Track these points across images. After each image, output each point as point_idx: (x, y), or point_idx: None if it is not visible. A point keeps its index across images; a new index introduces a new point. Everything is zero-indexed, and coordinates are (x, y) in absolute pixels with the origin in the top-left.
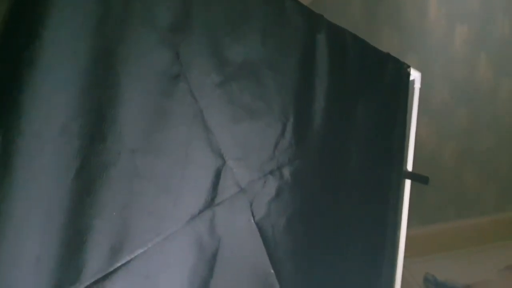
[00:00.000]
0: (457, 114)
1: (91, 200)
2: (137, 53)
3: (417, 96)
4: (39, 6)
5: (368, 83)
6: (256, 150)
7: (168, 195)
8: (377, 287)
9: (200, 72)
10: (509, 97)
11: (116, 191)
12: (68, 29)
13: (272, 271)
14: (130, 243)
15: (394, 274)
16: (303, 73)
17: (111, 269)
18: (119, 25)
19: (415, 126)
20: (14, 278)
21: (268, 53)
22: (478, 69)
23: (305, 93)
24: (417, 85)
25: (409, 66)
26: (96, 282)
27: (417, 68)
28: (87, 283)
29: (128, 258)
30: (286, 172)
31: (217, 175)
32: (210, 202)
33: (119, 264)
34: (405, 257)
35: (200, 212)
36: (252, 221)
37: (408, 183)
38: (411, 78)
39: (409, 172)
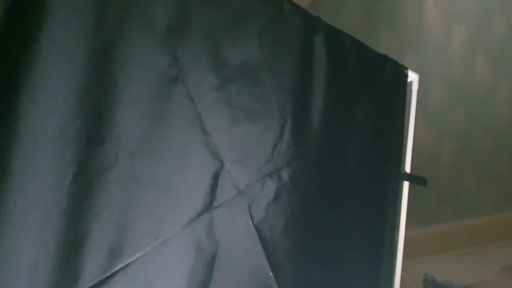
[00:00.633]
0: (455, 115)
1: (88, 204)
2: (135, 56)
3: (415, 97)
4: (36, 9)
5: (366, 85)
6: (254, 153)
7: (166, 198)
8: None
9: (198, 75)
10: (507, 97)
11: (114, 195)
12: (65, 32)
13: (271, 273)
14: (128, 247)
15: (393, 275)
16: (301, 75)
17: (109, 273)
18: (116, 28)
19: (413, 127)
20: (11, 283)
21: (266, 56)
22: (476, 70)
23: (303, 95)
24: (414, 87)
25: (406, 68)
26: (94, 286)
27: (415, 69)
28: (85, 287)
29: (126, 262)
30: (285, 174)
31: (215, 178)
32: (209, 205)
33: (117, 268)
34: (404, 258)
35: (199, 215)
36: (251, 223)
37: (406, 184)
38: (409, 80)
39: (407, 174)
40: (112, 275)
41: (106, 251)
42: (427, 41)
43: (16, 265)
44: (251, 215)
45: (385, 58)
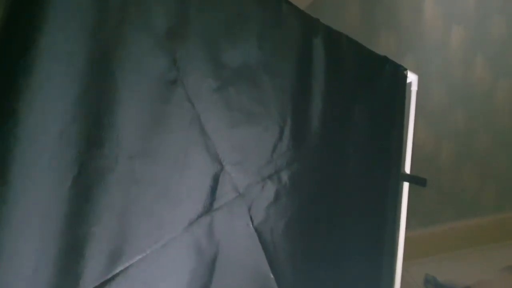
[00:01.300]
0: (454, 115)
1: (89, 207)
2: (134, 58)
3: (414, 98)
4: (35, 12)
5: (365, 87)
6: (254, 155)
7: (166, 200)
8: None
9: (197, 77)
10: (506, 97)
11: (114, 197)
12: (64, 35)
13: (272, 275)
14: (128, 250)
15: (393, 276)
16: (300, 77)
17: (110, 275)
18: (115, 30)
19: (413, 128)
20: (13, 286)
21: (265, 57)
22: (475, 70)
23: (302, 97)
24: (414, 88)
25: (405, 69)
26: None
27: (414, 70)
28: None
29: (127, 265)
30: (284, 176)
31: (215, 180)
32: (209, 207)
33: (117, 271)
34: (405, 259)
35: (199, 217)
36: (251, 225)
37: (406, 185)
38: (408, 80)
39: (407, 175)
40: (113, 278)
41: (107, 254)
42: (426, 42)
43: (17, 268)
44: (251, 217)
45: (384, 59)
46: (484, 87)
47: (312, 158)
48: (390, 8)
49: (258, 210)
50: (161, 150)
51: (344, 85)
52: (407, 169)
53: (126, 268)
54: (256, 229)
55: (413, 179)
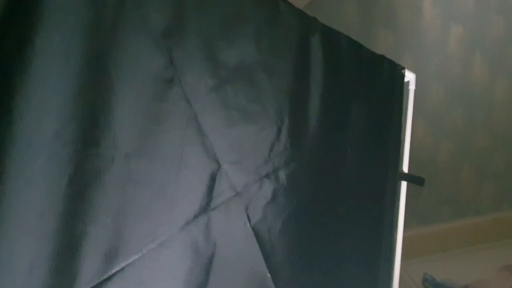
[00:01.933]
0: (452, 114)
1: (85, 206)
2: (131, 57)
3: (412, 97)
4: (30, 12)
5: (363, 85)
6: (251, 154)
7: (163, 200)
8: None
9: (194, 76)
10: (504, 96)
11: (110, 197)
12: (60, 33)
13: (269, 274)
14: (125, 249)
15: (392, 275)
16: (297, 76)
17: (106, 276)
18: (111, 29)
19: (411, 127)
20: (8, 285)
21: (262, 56)
22: (473, 69)
23: (300, 96)
24: (412, 87)
25: (403, 68)
26: None
27: (412, 69)
28: None
29: (123, 265)
30: (282, 175)
31: (212, 179)
32: (206, 207)
33: (114, 271)
34: (403, 258)
35: (196, 216)
36: (248, 225)
37: (404, 184)
38: (406, 79)
39: (405, 174)
40: (109, 278)
41: (103, 253)
42: (424, 41)
43: (12, 268)
44: (248, 216)
45: (382, 58)
46: (483, 86)
47: (309, 157)
48: (388, 7)
49: (256, 209)
50: (157, 149)
51: (341, 84)
52: (405, 168)
53: (123, 268)
54: (253, 228)
55: (411, 178)
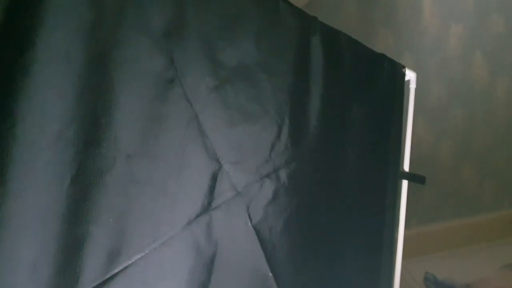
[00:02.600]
0: (453, 113)
1: (87, 207)
2: (131, 58)
3: (412, 96)
4: (31, 13)
5: (364, 84)
6: (252, 153)
7: (165, 200)
8: (376, 286)
9: (195, 76)
10: (505, 95)
11: (112, 197)
12: (61, 35)
13: (271, 274)
14: (127, 249)
15: (393, 274)
16: (297, 76)
17: (109, 275)
18: (112, 30)
19: (411, 126)
20: (11, 286)
21: (262, 56)
22: (473, 68)
23: (300, 95)
24: (412, 86)
25: (404, 67)
26: None
27: (413, 68)
28: None
29: (125, 264)
30: (283, 174)
31: (214, 179)
32: (207, 206)
33: (116, 270)
34: (404, 256)
35: (197, 216)
36: (249, 224)
37: (405, 183)
38: (406, 78)
39: (406, 172)
40: (112, 278)
41: (105, 253)
42: (424, 40)
43: (16, 268)
44: (249, 215)
45: (383, 57)
46: (483, 84)
47: (310, 156)
48: (388, 6)
49: (257, 208)
50: (159, 149)
51: (342, 83)
52: (406, 167)
53: (125, 268)
54: (254, 228)
55: (412, 177)
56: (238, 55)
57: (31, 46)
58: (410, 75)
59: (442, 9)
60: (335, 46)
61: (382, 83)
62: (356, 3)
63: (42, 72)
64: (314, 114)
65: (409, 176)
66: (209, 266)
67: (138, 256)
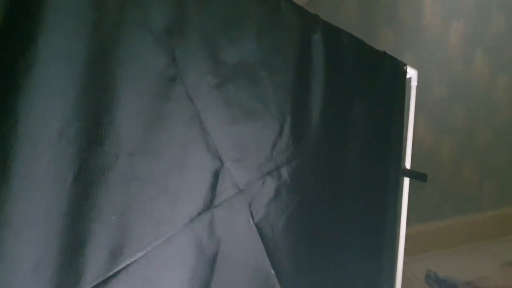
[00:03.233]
0: (454, 111)
1: (89, 205)
2: (133, 56)
3: (414, 94)
4: (32, 12)
5: (365, 82)
6: (253, 151)
7: (167, 197)
8: (378, 284)
9: (196, 74)
10: (506, 93)
11: (114, 195)
12: (62, 33)
13: (273, 271)
14: (129, 247)
15: (394, 271)
16: (299, 73)
17: (111, 273)
18: (114, 28)
19: (413, 123)
20: (13, 284)
21: (263, 54)
22: (475, 65)
23: (302, 93)
24: (413, 83)
25: (405, 64)
26: (96, 286)
27: (414, 66)
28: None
29: (128, 262)
30: (285, 172)
31: (215, 177)
32: (209, 204)
33: (119, 268)
34: (406, 254)
35: (199, 214)
36: (251, 222)
37: (406, 181)
38: (408, 76)
39: (408, 170)
40: (114, 275)
41: (108, 251)
42: (425, 37)
43: (18, 266)
44: (251, 213)
45: (384, 55)
46: (484, 82)
47: (312, 154)
48: (389, 4)
49: (259, 206)
50: (161, 147)
51: (343, 81)
52: (407, 164)
53: (127, 265)
54: (256, 225)
55: (413, 174)
56: (239, 53)
57: (32, 45)
58: (411, 73)
59: (443, 7)
60: (337, 44)
61: (384, 80)
62: (357, 1)
63: (44, 71)
64: (316, 112)
65: (411, 174)
66: (211, 263)
67: (140, 254)
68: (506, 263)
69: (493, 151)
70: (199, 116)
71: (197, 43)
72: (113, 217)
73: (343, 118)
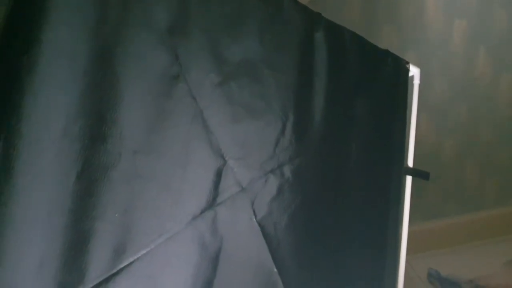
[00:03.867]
0: (456, 109)
1: (93, 202)
2: (136, 54)
3: (416, 92)
4: (37, 10)
5: (367, 80)
6: (256, 149)
7: (170, 195)
8: (380, 283)
9: (199, 73)
10: (508, 91)
11: (117, 193)
12: (66, 32)
13: (275, 269)
14: (133, 244)
15: (397, 269)
16: (301, 72)
17: (115, 270)
18: (117, 27)
19: (415, 122)
20: (17, 282)
21: (266, 52)
22: (477, 64)
23: (304, 91)
24: (416, 81)
25: (408, 62)
26: (100, 284)
27: (416, 64)
28: (91, 285)
29: (131, 259)
30: (287, 170)
31: (218, 175)
32: (212, 202)
33: (122, 266)
34: (408, 252)
35: (202, 212)
36: (254, 220)
37: (409, 179)
38: (410, 74)
39: (410, 168)
40: (117, 273)
41: (111, 248)
42: (428, 36)
43: (22, 264)
44: (254, 211)
45: (387, 53)
46: (486, 81)
47: (314, 152)
48: (392, 2)
49: (261, 204)
50: (164, 145)
51: (346, 79)
52: (410, 163)
53: (131, 263)
54: (259, 223)
55: (416, 172)
56: (242, 51)
57: (36, 43)
58: (414, 71)
59: (446, 5)
60: (339, 42)
61: (386, 78)
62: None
63: (47, 69)
64: (318, 110)
65: (413, 172)
66: (214, 261)
67: (143, 251)
68: (508, 262)
69: (495, 149)
70: (202, 114)
71: (200, 41)
72: (116, 215)
73: (346, 116)
